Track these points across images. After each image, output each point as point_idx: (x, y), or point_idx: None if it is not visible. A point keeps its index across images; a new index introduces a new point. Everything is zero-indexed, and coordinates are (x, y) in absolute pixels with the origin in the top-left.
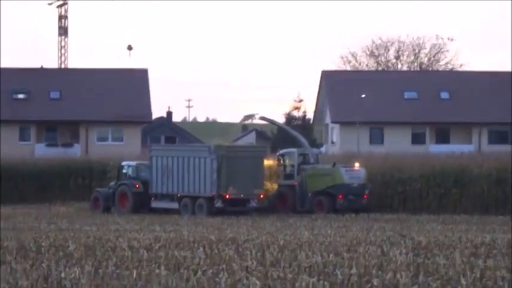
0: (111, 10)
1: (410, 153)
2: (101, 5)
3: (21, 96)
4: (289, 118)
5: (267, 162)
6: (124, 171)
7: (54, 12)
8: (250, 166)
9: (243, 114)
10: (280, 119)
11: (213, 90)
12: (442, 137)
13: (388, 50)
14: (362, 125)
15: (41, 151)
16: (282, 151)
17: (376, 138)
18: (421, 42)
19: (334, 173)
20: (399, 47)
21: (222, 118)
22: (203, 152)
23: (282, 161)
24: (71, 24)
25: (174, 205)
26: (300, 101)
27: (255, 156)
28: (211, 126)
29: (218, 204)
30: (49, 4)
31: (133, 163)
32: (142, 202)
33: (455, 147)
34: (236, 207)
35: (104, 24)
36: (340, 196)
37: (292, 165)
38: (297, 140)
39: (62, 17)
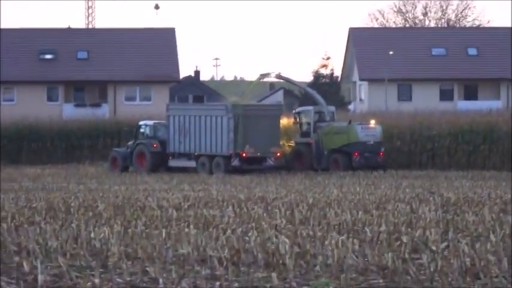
0: None
1: (438, 110)
2: None
3: (48, 56)
4: (317, 76)
5: (284, 121)
6: (142, 130)
7: None
8: (267, 124)
9: (259, 73)
10: (309, 77)
11: (241, 48)
12: (470, 94)
13: (416, 7)
14: (390, 82)
15: (69, 111)
16: (298, 109)
17: (404, 95)
18: None
19: (350, 131)
20: (426, 4)
21: (249, 77)
22: (220, 111)
23: (298, 119)
24: None
25: (192, 164)
26: (328, 58)
27: (271, 114)
28: (239, 84)
29: (235, 162)
30: None
31: (150, 122)
32: (160, 161)
33: (483, 104)
34: (253, 166)
35: None
36: (356, 154)
37: (309, 123)
38: (313, 97)
39: None
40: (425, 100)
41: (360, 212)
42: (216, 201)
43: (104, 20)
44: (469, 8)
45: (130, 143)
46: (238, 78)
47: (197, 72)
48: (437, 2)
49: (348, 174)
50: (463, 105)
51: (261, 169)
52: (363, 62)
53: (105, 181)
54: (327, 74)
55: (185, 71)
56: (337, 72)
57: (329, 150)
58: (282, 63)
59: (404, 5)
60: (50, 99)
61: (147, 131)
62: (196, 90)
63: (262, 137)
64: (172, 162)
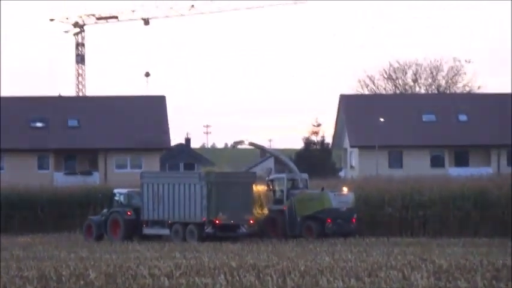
0: (127, 37)
1: (429, 176)
2: (117, 31)
3: (39, 124)
4: (308, 143)
5: (257, 188)
6: (116, 198)
7: (71, 40)
8: (239, 192)
9: (233, 140)
10: (299, 144)
11: (231, 116)
12: (461, 160)
13: (406, 73)
14: (381, 148)
15: (59, 179)
16: (271, 176)
17: (395, 161)
18: (438, 64)
19: (323, 198)
20: (417, 70)
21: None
22: (193, 179)
23: (271, 186)
24: (87, 51)
25: (165, 231)
26: (318, 125)
27: (244, 182)
28: (230, 152)
29: (208, 230)
30: (65, 32)
31: (124, 190)
32: (134, 229)
33: (474, 170)
34: (226, 233)
35: (120, 51)
36: (329, 220)
37: (282, 190)
38: (286, 164)
39: (79, 45)
40: (417, 167)
41: (352, 280)
42: (208, 269)
43: (94, 88)
44: (459, 74)
45: (104, 210)
46: (229, 145)
47: (188, 140)
48: (428, 68)
49: (339, 241)
50: (454, 171)
51: (234, 236)
52: (354, 129)
53: (96, 249)
54: (317, 141)
55: (176, 138)
56: (328, 139)
57: (302, 217)
58: (272, 130)
59: (395, 72)
60: (40, 167)
61: (121, 198)
62: (187, 158)
63: (235, 204)
64: (147, 230)
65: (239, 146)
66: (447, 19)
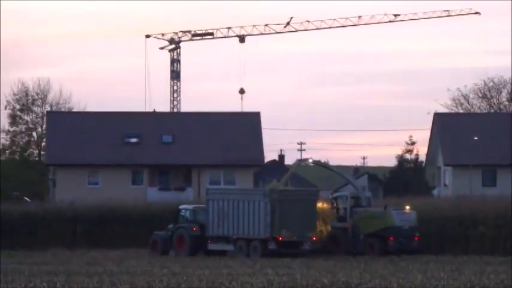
0: (223, 54)
1: None
2: (213, 48)
3: (133, 140)
4: (401, 161)
5: (321, 205)
6: (182, 214)
7: (166, 57)
8: (303, 209)
9: (297, 158)
10: (393, 162)
11: (326, 133)
12: None
13: (501, 92)
14: (475, 167)
15: (153, 195)
16: (335, 194)
17: (489, 180)
18: None
19: (386, 216)
20: None
21: (334, 162)
22: (257, 196)
23: (335, 204)
24: (183, 68)
25: (230, 247)
26: (412, 143)
27: (307, 199)
28: (323, 169)
29: (272, 246)
30: (161, 48)
31: (190, 206)
32: (199, 244)
33: None
34: (289, 250)
35: (215, 67)
36: (391, 238)
37: (345, 208)
38: (350, 183)
39: (174, 61)
40: (510, 185)
41: None
42: (301, 286)
43: (189, 104)
44: None
45: (170, 226)
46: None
47: (282, 157)
48: None
49: (431, 259)
50: None
51: (298, 253)
52: (448, 147)
53: (189, 265)
54: (411, 159)
55: (270, 155)
56: (422, 157)
57: (365, 235)
58: (367, 148)
59: (489, 91)
60: (134, 182)
61: (187, 214)
62: (280, 174)
63: (298, 221)
64: (211, 246)
65: (302, 164)
66: None
